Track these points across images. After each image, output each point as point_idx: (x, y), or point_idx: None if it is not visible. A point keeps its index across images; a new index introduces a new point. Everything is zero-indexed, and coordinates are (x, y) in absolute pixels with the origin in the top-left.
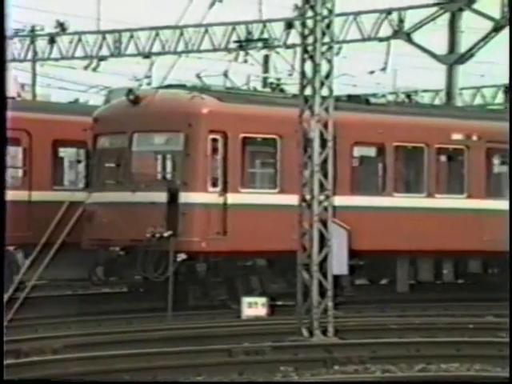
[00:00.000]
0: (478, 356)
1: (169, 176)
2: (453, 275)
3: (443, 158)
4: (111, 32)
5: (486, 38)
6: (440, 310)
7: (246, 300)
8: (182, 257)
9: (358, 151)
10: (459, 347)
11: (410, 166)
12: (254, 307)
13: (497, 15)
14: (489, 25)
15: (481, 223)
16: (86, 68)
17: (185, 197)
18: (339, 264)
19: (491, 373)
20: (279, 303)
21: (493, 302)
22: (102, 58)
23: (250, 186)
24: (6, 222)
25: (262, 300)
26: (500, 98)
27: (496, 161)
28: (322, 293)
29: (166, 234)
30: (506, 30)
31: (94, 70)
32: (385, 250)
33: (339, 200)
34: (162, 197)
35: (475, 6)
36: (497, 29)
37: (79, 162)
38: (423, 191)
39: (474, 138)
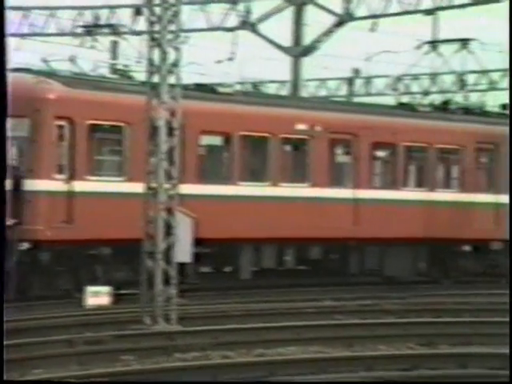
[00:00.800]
0: (315, 339)
1: (14, 163)
2: (295, 262)
3: (288, 148)
4: None
5: (329, 32)
6: (281, 296)
7: (89, 289)
8: (25, 246)
9: (204, 140)
10: (298, 331)
11: (256, 155)
12: (97, 296)
13: (339, 10)
14: (332, 19)
15: (323, 211)
16: None
17: (29, 184)
18: (184, 252)
19: (329, 354)
20: (124, 292)
21: (331, 286)
22: None
23: (97, 173)
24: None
25: (106, 289)
26: (344, 90)
27: (339, 151)
28: (167, 281)
29: (9, 223)
30: (348, 25)
31: None
32: (229, 238)
33: (185, 188)
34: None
35: (319, 1)
36: (339, 23)
37: None
38: (268, 180)
39: (318, 128)
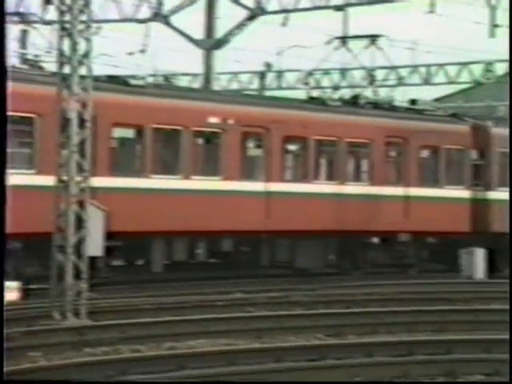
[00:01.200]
0: (225, 331)
1: None
2: (206, 255)
3: (200, 141)
4: None
5: (240, 26)
6: (193, 289)
7: None
8: None
9: (117, 132)
10: (209, 324)
11: (168, 148)
12: (6, 292)
13: (251, 4)
14: (244, 13)
15: (235, 204)
16: None
17: None
18: (95, 245)
19: (238, 346)
20: (34, 287)
21: (243, 279)
22: None
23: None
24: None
25: (15, 284)
26: (256, 83)
27: (251, 144)
28: (77, 275)
29: None
30: (260, 19)
31: None
32: (141, 231)
33: (97, 181)
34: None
35: None
36: (251, 17)
37: None
38: (180, 173)
39: (230, 121)
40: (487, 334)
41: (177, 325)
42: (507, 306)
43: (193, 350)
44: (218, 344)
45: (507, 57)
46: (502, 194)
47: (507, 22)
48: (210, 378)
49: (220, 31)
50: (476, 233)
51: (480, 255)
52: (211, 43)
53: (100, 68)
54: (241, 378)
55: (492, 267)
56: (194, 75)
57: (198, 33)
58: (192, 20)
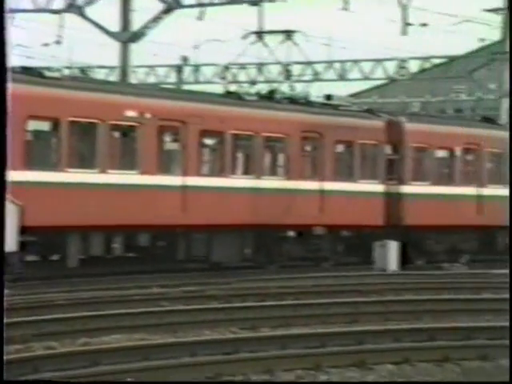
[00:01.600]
0: (140, 326)
1: None
2: (123, 249)
3: (117, 135)
4: None
5: (157, 19)
6: (109, 284)
7: None
8: None
9: (32, 125)
10: (124, 319)
11: (85, 141)
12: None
13: None
14: (160, 6)
15: (152, 198)
16: None
17: None
18: (8, 241)
19: (153, 341)
20: None
21: (159, 273)
22: None
23: None
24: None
25: None
26: (173, 77)
27: (168, 138)
28: None
29: None
30: (177, 12)
31: None
32: (56, 225)
33: (12, 175)
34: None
35: None
36: (167, 10)
37: None
38: (96, 167)
39: (147, 115)
40: (398, 324)
41: (92, 320)
42: (418, 297)
43: (107, 346)
44: (133, 339)
45: (420, 54)
46: (415, 188)
47: (418, 21)
48: (124, 374)
49: (137, 24)
50: (389, 226)
51: (393, 248)
52: (127, 36)
53: (14, 59)
54: (154, 374)
55: (404, 259)
56: (111, 68)
57: (114, 25)
58: (108, 12)
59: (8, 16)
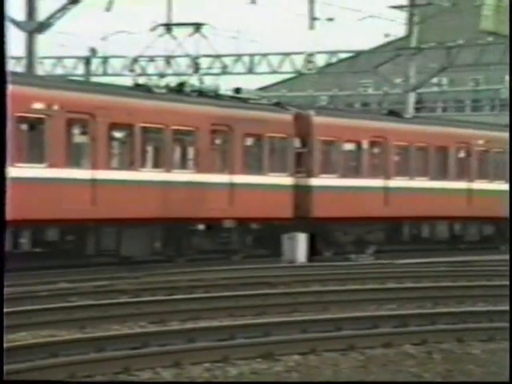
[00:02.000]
0: (47, 322)
1: None
2: (30, 244)
3: (24, 127)
4: None
5: (64, 9)
6: (15, 280)
7: None
8: None
9: None
10: (30, 315)
11: None
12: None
13: None
14: None
15: (60, 192)
16: None
17: None
18: None
19: (61, 337)
20: None
21: (67, 268)
22: None
23: None
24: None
25: None
26: (81, 69)
27: (76, 131)
28: None
29: None
30: (84, 3)
31: None
32: None
33: None
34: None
35: None
36: (74, 1)
37: None
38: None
39: (55, 107)
40: (304, 315)
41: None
42: (325, 288)
43: (13, 344)
44: (40, 336)
45: (327, 48)
46: (323, 181)
47: (325, 16)
48: (31, 371)
49: (43, 14)
50: (298, 218)
51: (301, 240)
52: (34, 26)
53: None
54: (64, 369)
55: (313, 251)
56: (17, 59)
57: (20, 14)
58: (12, 0)
59: None
